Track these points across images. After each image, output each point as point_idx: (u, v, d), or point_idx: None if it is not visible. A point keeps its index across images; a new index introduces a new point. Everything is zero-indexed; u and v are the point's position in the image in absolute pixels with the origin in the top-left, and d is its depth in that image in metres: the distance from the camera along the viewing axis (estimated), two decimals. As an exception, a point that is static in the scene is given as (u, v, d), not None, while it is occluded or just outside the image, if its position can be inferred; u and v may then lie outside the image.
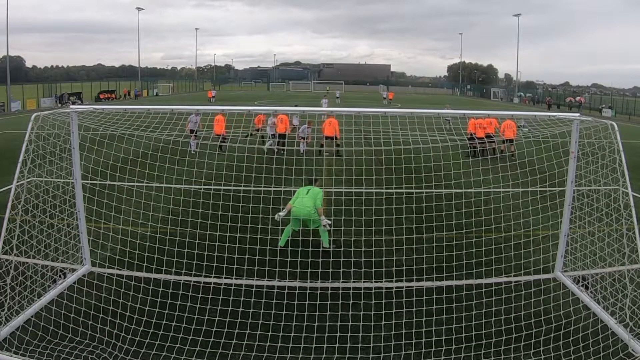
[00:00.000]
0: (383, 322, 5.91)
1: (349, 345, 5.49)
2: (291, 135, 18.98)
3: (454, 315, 6.08)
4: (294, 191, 8.72)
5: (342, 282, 7.02)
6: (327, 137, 17.67)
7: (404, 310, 6.29)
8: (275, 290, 6.60)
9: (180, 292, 6.57)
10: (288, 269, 7.33)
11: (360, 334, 5.74)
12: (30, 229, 6.45)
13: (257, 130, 19.68)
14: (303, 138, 18.36)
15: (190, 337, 5.52)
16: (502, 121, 18.30)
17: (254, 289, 6.60)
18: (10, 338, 5.41)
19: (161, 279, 6.90)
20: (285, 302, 6.35)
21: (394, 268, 7.49)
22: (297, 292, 6.64)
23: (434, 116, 6.93)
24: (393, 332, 5.75)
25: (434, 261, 7.65)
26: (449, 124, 21.34)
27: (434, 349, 5.45)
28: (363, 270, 7.36)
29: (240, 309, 6.13)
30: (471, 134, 18.06)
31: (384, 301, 6.51)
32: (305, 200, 8.39)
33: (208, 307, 6.11)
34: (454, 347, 5.44)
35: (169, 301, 6.21)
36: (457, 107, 48.04)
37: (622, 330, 5.69)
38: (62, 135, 6.94)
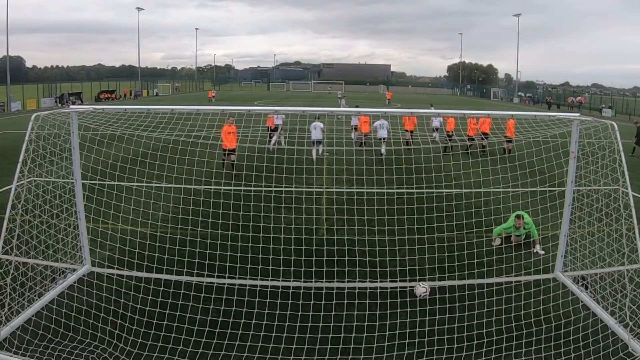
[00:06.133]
0: (383, 322, 5.91)
1: (350, 345, 5.49)
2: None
3: (454, 315, 6.09)
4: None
5: (342, 282, 7.02)
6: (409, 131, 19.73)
7: (404, 310, 6.29)
8: (276, 290, 6.60)
9: (180, 292, 6.56)
10: (290, 269, 7.33)
11: (361, 334, 5.74)
12: (30, 229, 6.45)
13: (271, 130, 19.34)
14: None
15: (190, 337, 5.51)
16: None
17: (256, 289, 6.59)
18: (10, 338, 5.42)
19: (161, 279, 6.90)
20: (285, 302, 6.36)
21: (395, 268, 7.48)
22: (297, 292, 6.64)
23: (434, 116, 6.93)
24: (393, 332, 5.75)
25: (434, 261, 7.64)
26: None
27: (434, 349, 5.45)
28: (364, 270, 7.36)
29: (241, 309, 6.13)
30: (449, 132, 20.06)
31: (384, 301, 6.51)
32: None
33: (208, 307, 6.11)
34: (454, 346, 5.44)
35: (169, 301, 6.22)
36: (457, 107, 47.99)
37: (622, 330, 5.69)
38: (62, 135, 6.94)
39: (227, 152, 14.78)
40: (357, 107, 33.98)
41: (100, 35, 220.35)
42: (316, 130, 17.39)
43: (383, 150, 17.45)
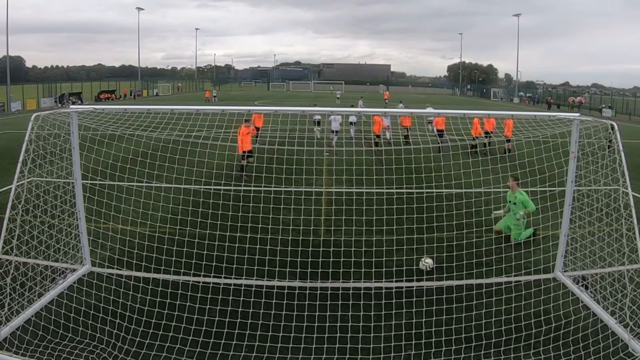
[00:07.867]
0: (383, 322, 5.91)
1: (349, 345, 5.49)
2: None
3: (454, 315, 6.08)
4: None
5: (342, 282, 7.02)
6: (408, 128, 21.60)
7: (404, 310, 6.29)
8: (275, 290, 6.60)
9: (180, 292, 6.57)
10: (288, 269, 7.33)
11: (361, 335, 5.74)
12: (30, 229, 6.45)
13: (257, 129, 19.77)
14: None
15: (191, 338, 5.51)
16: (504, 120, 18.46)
17: (254, 289, 6.59)
18: (10, 338, 5.42)
19: (161, 279, 6.90)
20: (285, 302, 6.35)
21: (394, 268, 7.49)
22: (297, 292, 6.64)
23: (434, 116, 6.93)
24: (393, 333, 5.75)
25: (434, 261, 7.64)
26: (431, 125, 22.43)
27: (434, 349, 5.45)
28: (363, 270, 7.36)
29: (240, 309, 6.13)
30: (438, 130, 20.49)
31: (384, 301, 6.51)
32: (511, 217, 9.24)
33: (208, 307, 6.11)
34: (454, 347, 5.44)
35: (168, 301, 6.21)
36: (457, 107, 48.05)
37: (622, 330, 5.69)
38: (62, 135, 6.94)
39: (245, 154, 13.79)
40: (352, 106, 36.01)
41: (100, 35, 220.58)
42: (335, 122, 20.15)
43: (388, 136, 20.80)
